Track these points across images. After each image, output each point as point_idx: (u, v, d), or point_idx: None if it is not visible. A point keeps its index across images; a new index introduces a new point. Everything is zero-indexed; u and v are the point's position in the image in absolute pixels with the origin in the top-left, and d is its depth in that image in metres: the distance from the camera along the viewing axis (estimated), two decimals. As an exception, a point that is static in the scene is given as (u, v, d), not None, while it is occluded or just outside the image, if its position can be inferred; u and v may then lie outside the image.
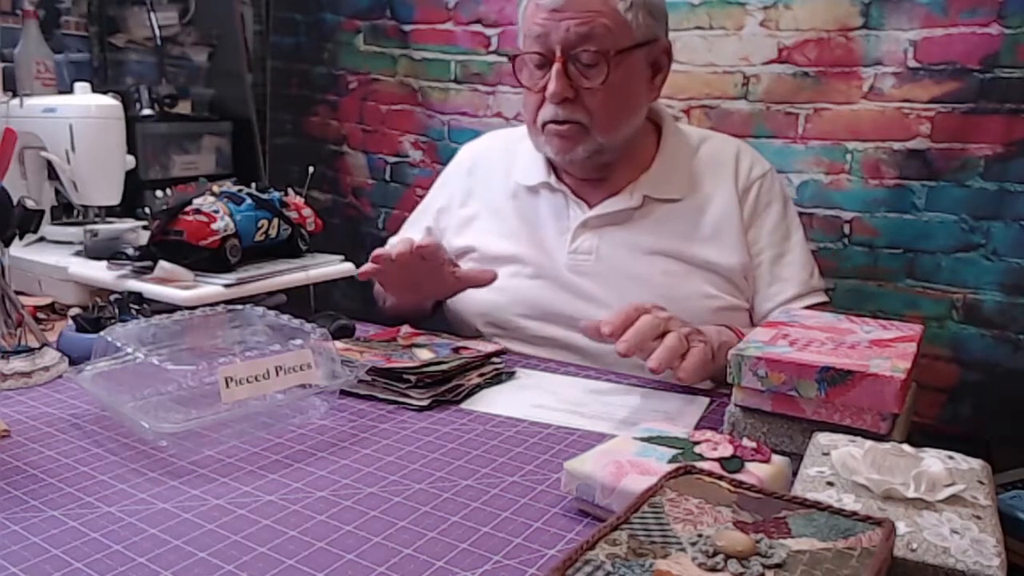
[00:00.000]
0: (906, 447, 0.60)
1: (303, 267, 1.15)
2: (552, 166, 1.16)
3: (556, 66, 1.02)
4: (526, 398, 0.90)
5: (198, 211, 1.05)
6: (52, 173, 1.34)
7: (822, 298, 1.13)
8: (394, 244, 1.03)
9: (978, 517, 0.52)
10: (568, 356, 1.10)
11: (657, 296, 1.06)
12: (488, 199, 1.21)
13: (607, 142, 1.07)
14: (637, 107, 1.11)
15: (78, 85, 1.32)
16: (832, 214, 1.51)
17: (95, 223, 1.31)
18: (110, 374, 0.81)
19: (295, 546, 0.58)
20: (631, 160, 1.13)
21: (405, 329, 1.06)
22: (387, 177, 2.02)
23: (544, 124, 1.07)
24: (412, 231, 1.29)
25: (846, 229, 1.51)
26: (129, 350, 0.79)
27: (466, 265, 1.20)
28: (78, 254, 1.21)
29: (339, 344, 0.95)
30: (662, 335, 0.87)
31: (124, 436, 0.76)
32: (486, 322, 1.15)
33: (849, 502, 0.54)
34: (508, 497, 0.66)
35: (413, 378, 0.87)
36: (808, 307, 1.08)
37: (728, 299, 1.09)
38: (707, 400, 0.90)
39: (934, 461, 0.57)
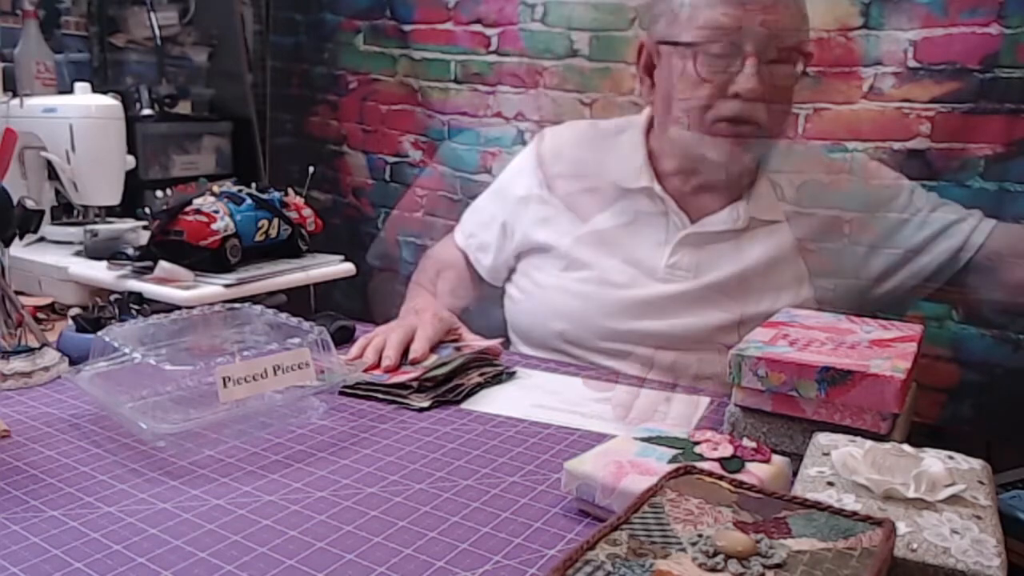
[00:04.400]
0: (906, 447, 0.60)
1: (303, 267, 1.15)
2: (655, 170, 1.11)
3: (751, 61, 0.98)
4: (526, 398, 0.90)
5: (198, 211, 1.05)
6: (52, 173, 1.34)
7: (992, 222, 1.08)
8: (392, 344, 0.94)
9: (978, 517, 0.52)
10: (571, 352, 1.08)
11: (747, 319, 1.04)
12: (574, 196, 1.15)
13: (772, 147, 1.04)
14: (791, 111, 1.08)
15: (78, 85, 1.32)
16: (832, 214, 1.51)
17: (95, 223, 1.31)
18: (108, 374, 0.81)
19: (295, 546, 0.58)
20: (736, 176, 1.09)
21: None
22: (387, 177, 2.02)
23: (716, 121, 1.02)
24: (482, 219, 1.26)
25: (846, 229, 1.51)
26: (127, 350, 0.79)
27: (544, 260, 1.15)
28: (78, 254, 1.21)
29: (342, 357, 0.94)
30: None
31: (124, 436, 0.76)
32: (564, 338, 1.10)
33: (849, 502, 0.54)
34: (508, 497, 0.66)
35: (415, 384, 0.87)
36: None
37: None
38: (707, 400, 0.90)
39: (934, 461, 0.57)
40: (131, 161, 1.35)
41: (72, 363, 0.92)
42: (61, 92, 1.49)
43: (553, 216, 1.16)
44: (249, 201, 1.11)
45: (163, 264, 1.03)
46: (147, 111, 1.88)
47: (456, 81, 1.86)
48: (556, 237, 1.14)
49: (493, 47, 1.81)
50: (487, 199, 1.29)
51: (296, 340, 0.81)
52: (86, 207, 1.36)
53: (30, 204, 0.93)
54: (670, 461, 0.63)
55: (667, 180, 1.10)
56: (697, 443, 0.66)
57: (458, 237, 1.31)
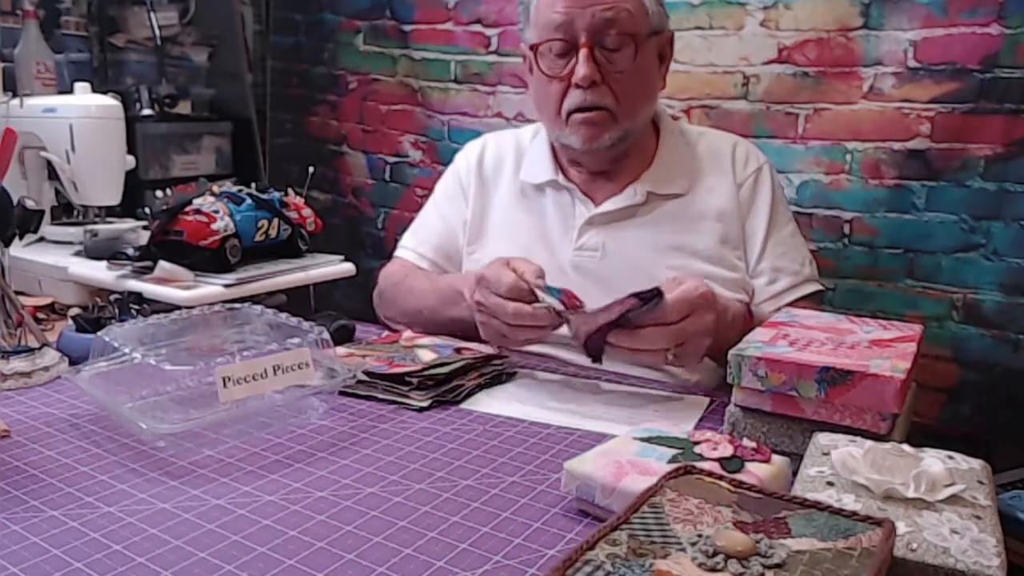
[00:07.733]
0: (906, 447, 0.60)
1: (303, 267, 1.15)
2: (559, 164, 1.16)
3: (584, 51, 1.03)
4: (526, 398, 0.90)
5: (198, 211, 1.05)
6: (52, 173, 1.35)
7: (816, 287, 1.12)
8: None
9: (978, 517, 0.52)
10: (572, 354, 1.08)
11: None
12: (499, 201, 1.20)
13: (630, 127, 1.08)
14: (654, 94, 1.13)
15: (78, 85, 1.32)
16: (832, 214, 1.51)
17: (95, 223, 1.31)
18: (108, 374, 0.81)
19: (295, 546, 0.58)
20: (635, 157, 1.13)
21: (407, 332, 1.06)
22: (387, 177, 2.02)
23: (569, 113, 1.07)
24: (432, 227, 1.26)
25: (846, 229, 1.51)
26: (127, 350, 0.79)
27: (476, 267, 1.19)
28: (78, 254, 1.21)
29: (341, 349, 0.95)
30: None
31: (124, 436, 0.76)
32: None
33: (849, 502, 0.54)
34: (508, 497, 0.66)
35: (415, 380, 0.87)
36: (803, 297, 1.08)
37: (732, 295, 1.08)
38: (707, 400, 0.90)
39: (934, 461, 0.57)
40: (131, 161, 1.35)
41: (72, 363, 0.92)
42: (61, 92, 1.49)
43: (485, 232, 1.21)
44: (249, 201, 1.11)
45: (163, 264, 1.03)
46: (147, 111, 1.88)
47: (456, 81, 1.86)
48: (482, 244, 1.20)
49: (493, 47, 1.81)
50: (429, 211, 1.30)
51: (296, 340, 0.81)
52: (86, 207, 1.36)
53: (30, 204, 0.93)
54: (670, 461, 0.63)
55: (569, 172, 1.16)
56: (697, 443, 0.66)
57: (409, 256, 1.27)
